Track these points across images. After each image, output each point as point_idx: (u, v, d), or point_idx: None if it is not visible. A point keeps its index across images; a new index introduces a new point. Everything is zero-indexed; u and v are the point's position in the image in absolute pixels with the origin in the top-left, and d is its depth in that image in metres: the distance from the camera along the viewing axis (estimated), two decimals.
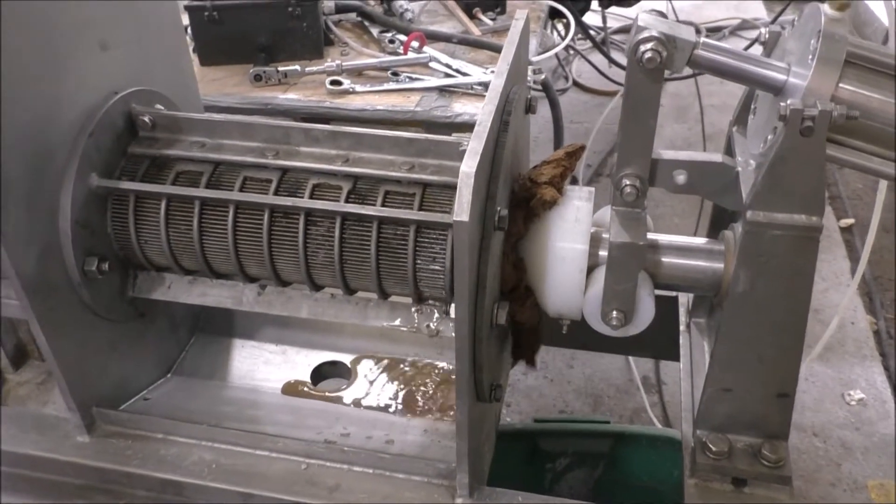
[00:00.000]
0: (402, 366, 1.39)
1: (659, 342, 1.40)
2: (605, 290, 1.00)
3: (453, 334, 0.94)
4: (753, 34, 4.82)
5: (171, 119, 1.15)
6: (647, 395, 2.77)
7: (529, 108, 1.14)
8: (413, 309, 1.13)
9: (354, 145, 1.10)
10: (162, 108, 1.18)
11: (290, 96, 2.00)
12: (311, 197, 1.08)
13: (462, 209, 0.80)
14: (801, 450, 2.64)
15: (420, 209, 1.04)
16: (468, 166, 0.81)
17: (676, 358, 1.34)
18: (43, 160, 1.02)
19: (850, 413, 2.77)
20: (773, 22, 4.30)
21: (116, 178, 1.12)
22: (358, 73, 2.08)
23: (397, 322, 1.13)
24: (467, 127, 1.91)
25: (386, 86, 2.00)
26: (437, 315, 1.12)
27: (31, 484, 1.20)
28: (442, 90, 1.99)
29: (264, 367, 1.39)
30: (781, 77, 0.89)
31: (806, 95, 0.84)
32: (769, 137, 0.89)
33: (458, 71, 2.05)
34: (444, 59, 2.10)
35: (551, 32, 3.30)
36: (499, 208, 0.92)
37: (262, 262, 1.10)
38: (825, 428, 2.72)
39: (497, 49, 2.14)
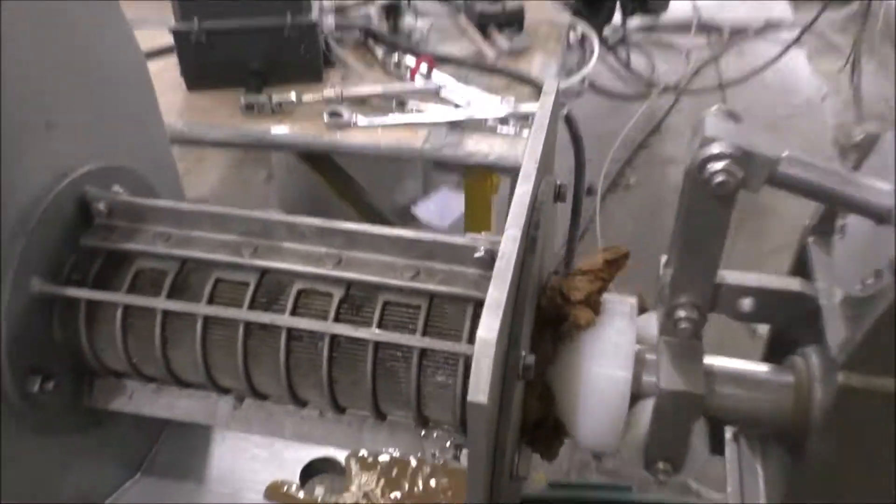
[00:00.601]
0: (406, 466, 1.21)
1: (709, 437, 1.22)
2: (650, 438, 0.82)
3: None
4: (779, 35, 4.60)
5: (130, 205, 0.97)
6: None
7: (559, 196, 0.96)
8: (419, 434, 0.95)
9: (347, 244, 0.92)
10: (121, 190, 1.00)
11: (284, 129, 1.82)
12: (296, 306, 0.90)
13: (479, 388, 0.62)
14: None
15: (426, 327, 0.86)
16: (488, 330, 0.63)
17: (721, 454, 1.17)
18: None
19: None
20: (808, 27, 4.08)
21: (66, 277, 0.94)
22: (361, 101, 1.89)
23: (400, 447, 0.96)
24: (480, 169, 1.72)
25: (391, 117, 1.82)
26: (449, 443, 0.94)
27: None
28: (453, 124, 1.80)
29: (248, 465, 1.22)
30: (887, 204, 0.70)
31: None
32: (869, 282, 0.70)
33: (469, 102, 1.86)
34: (455, 86, 1.91)
35: (571, 43, 3.10)
36: (524, 354, 0.74)
37: (237, 377, 0.93)
38: None
39: (514, 76, 1.94)
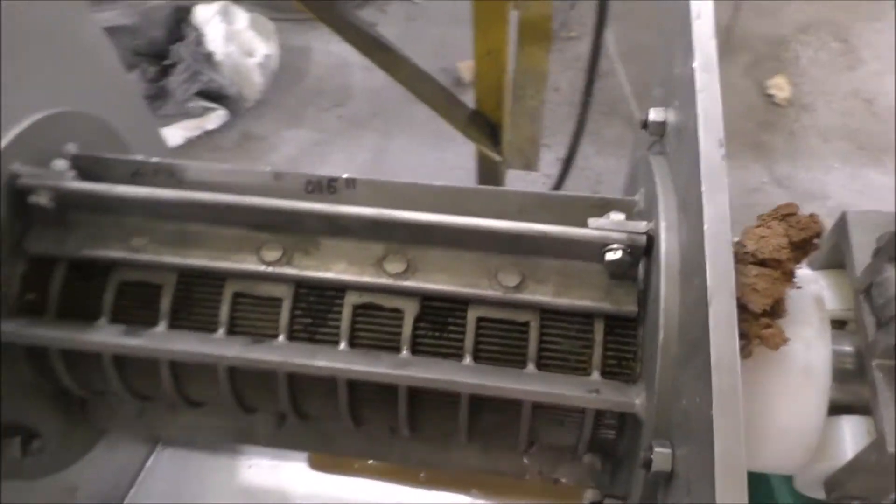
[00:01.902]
0: None
1: None
2: (845, 475, 0.63)
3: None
4: None
5: (89, 194, 0.66)
6: None
7: None
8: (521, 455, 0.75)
9: (412, 238, 0.65)
10: (72, 150, 0.68)
11: None
12: (354, 331, 0.65)
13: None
14: None
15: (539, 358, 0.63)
16: None
17: None
18: None
19: None
20: None
21: (17, 296, 0.67)
22: None
23: (497, 466, 0.76)
24: None
25: None
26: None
27: None
28: None
29: None
30: None
31: None
32: None
33: None
34: None
35: None
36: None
37: (279, 405, 0.70)
38: None
39: None
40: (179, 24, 2.60)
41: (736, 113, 2.66)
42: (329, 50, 2.90)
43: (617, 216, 0.63)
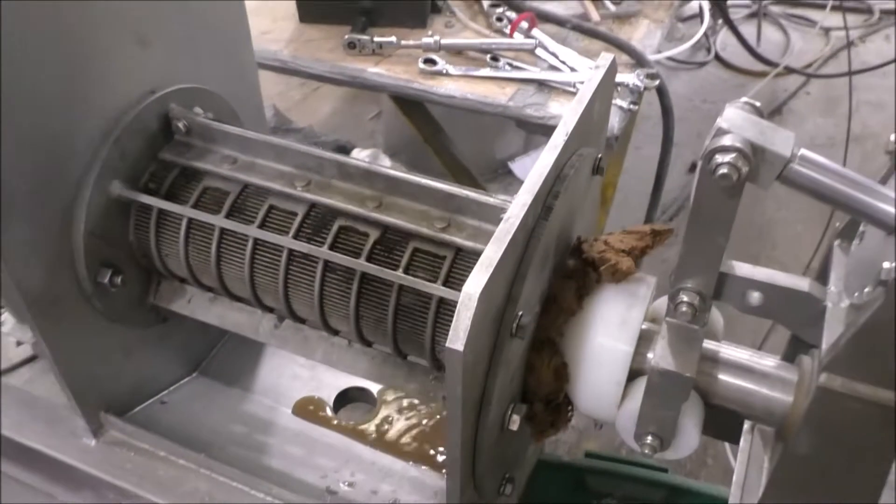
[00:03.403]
0: (430, 407, 1.29)
1: (723, 426, 1.24)
2: (640, 412, 0.86)
3: None
4: None
5: (206, 128, 1.06)
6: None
7: (598, 170, 0.98)
8: (431, 376, 1.01)
9: (390, 189, 0.98)
10: (201, 111, 1.09)
11: (380, 70, 1.88)
12: (336, 240, 0.97)
13: (457, 336, 0.67)
14: None
15: (448, 278, 0.92)
16: (474, 286, 0.68)
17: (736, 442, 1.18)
18: (58, 168, 0.95)
19: None
20: None
21: (144, 184, 1.05)
22: (457, 52, 1.92)
23: (414, 385, 1.03)
24: None
25: (482, 72, 1.85)
26: None
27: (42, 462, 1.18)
28: (541, 84, 1.81)
29: (289, 383, 1.32)
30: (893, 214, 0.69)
31: None
32: (867, 290, 0.70)
33: (564, 63, 1.87)
34: (552, 46, 1.91)
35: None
36: (520, 313, 0.78)
37: (278, 298, 1.01)
38: None
39: (613, 42, 1.92)
40: None
41: None
42: None
43: None
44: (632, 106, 1.74)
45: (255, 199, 1.02)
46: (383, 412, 1.27)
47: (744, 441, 1.14)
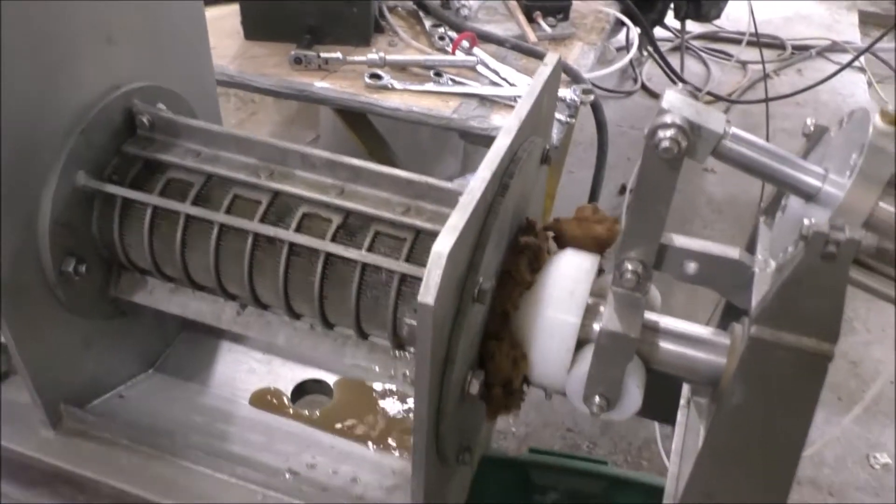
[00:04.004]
0: (388, 397, 1.33)
1: (658, 406, 1.32)
2: (589, 374, 0.93)
3: None
4: (843, 58, 4.57)
5: (170, 122, 1.10)
6: (660, 426, 2.67)
7: (546, 159, 1.06)
8: (392, 354, 1.06)
9: (351, 177, 1.04)
10: (164, 107, 1.12)
11: (326, 85, 1.94)
12: (300, 226, 1.02)
13: (428, 291, 0.73)
14: None
15: (408, 257, 0.98)
16: (442, 245, 0.74)
17: (673, 425, 1.26)
18: (24, 157, 0.97)
19: (873, 477, 2.63)
20: (866, 50, 4.06)
21: (107, 176, 1.08)
22: (401, 68, 2.00)
23: (375, 365, 1.08)
24: None
25: (426, 86, 1.92)
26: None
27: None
28: (483, 99, 1.90)
29: (246, 377, 1.35)
30: (816, 184, 0.79)
31: (838, 213, 0.74)
32: (790, 249, 0.79)
33: (505, 79, 1.96)
34: (493, 63, 2.01)
35: (620, 39, 3.16)
36: (481, 279, 0.85)
37: (242, 284, 1.05)
38: (843, 489, 2.59)
39: None
40: None
41: None
42: None
43: None
44: (569, 119, 1.84)
45: (220, 189, 1.06)
46: (340, 402, 1.31)
47: (680, 415, 1.22)
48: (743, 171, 0.81)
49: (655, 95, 4.47)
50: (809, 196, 0.79)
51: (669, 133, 0.76)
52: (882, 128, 0.73)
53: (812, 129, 0.88)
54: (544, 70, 1.01)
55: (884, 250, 0.71)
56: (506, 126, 0.90)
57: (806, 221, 0.72)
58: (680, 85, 0.83)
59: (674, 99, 0.79)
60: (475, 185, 0.82)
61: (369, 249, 0.99)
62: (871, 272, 0.77)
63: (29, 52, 0.94)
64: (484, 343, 0.97)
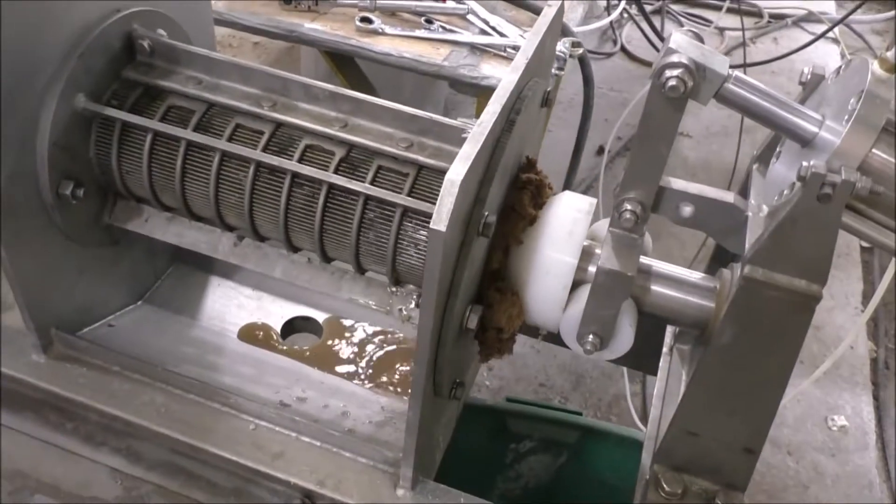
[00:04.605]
0: (377, 337, 1.35)
1: (641, 355, 1.36)
2: (584, 312, 0.96)
3: None
4: (818, 28, 4.63)
5: (171, 48, 1.09)
6: (630, 383, 2.75)
7: (546, 102, 1.07)
8: (389, 289, 1.08)
9: (354, 111, 1.04)
10: (164, 33, 1.11)
11: (316, 26, 1.92)
12: (302, 159, 1.02)
13: (440, 218, 0.75)
14: (772, 465, 2.62)
15: (410, 192, 0.99)
16: (455, 173, 0.76)
17: (655, 374, 1.31)
18: (22, 77, 0.96)
19: (830, 438, 2.74)
20: (841, 21, 4.12)
21: (106, 101, 1.07)
22: (391, 13, 1.99)
23: (371, 300, 1.09)
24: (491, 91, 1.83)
25: (417, 32, 1.92)
26: (413, 301, 1.07)
27: None
28: (473, 47, 1.90)
29: (236, 311, 1.36)
30: (812, 129, 0.81)
31: (834, 157, 0.77)
32: (785, 192, 0.82)
33: (494, 29, 1.96)
34: (483, 13, 2.01)
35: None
36: (486, 213, 0.87)
37: (242, 214, 1.06)
38: (801, 448, 2.69)
39: (537, 11, 2.03)
40: None
41: None
42: None
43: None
44: (557, 71, 1.85)
45: (221, 118, 1.06)
46: (330, 340, 1.33)
47: (663, 361, 1.27)
48: (743, 114, 0.83)
49: (635, 58, 4.49)
50: (806, 141, 0.82)
51: (677, 72, 0.78)
52: (880, 74, 0.76)
53: (809, 76, 0.90)
54: (549, 11, 1.02)
55: (877, 194, 0.74)
56: (514, 63, 0.91)
57: (804, 163, 0.75)
58: (686, 28, 0.85)
59: (681, 40, 0.81)
60: (486, 118, 0.83)
61: (372, 183, 1.00)
62: (862, 217, 0.80)
63: None
64: (484, 285, 0.99)
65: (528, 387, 2.73)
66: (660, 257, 1.04)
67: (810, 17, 4.87)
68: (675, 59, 0.78)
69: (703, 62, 0.79)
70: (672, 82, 0.78)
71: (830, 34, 4.31)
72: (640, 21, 4.20)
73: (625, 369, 2.73)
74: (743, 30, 3.88)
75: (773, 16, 4.87)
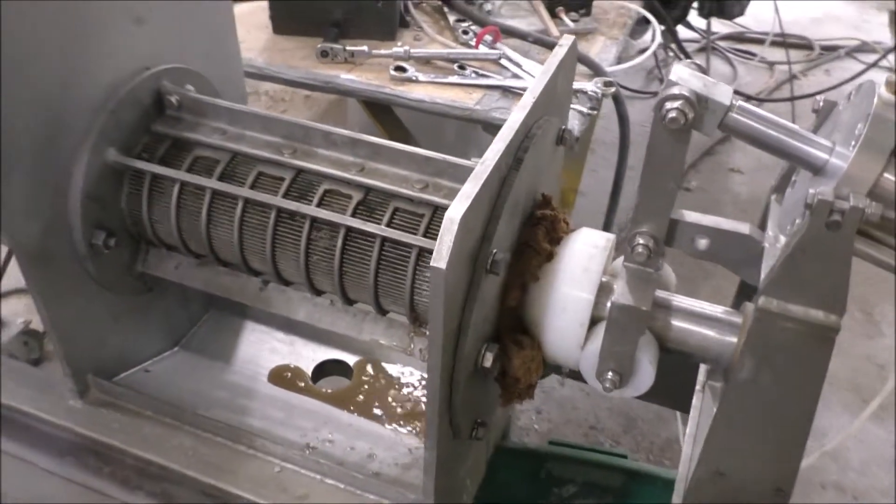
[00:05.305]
0: (406, 379, 1.36)
1: (675, 393, 1.33)
2: (602, 348, 0.94)
3: None
4: (872, 58, 4.53)
5: (197, 102, 1.14)
6: (683, 425, 2.66)
7: (562, 140, 1.08)
8: (410, 332, 1.09)
9: (372, 155, 1.07)
10: (192, 88, 1.16)
11: (352, 77, 1.97)
12: (321, 202, 1.05)
13: (440, 255, 0.75)
14: None
15: (426, 233, 1.00)
16: (455, 211, 0.76)
17: (687, 411, 1.28)
18: (56, 131, 1.01)
19: None
20: (893, 49, 4.03)
21: (137, 153, 1.12)
22: (425, 61, 2.03)
23: (392, 341, 1.10)
24: None
25: (450, 79, 1.95)
26: None
27: (29, 432, 1.22)
28: (505, 90, 1.92)
29: (268, 356, 1.38)
30: (822, 156, 0.80)
31: (843, 182, 0.75)
32: (797, 221, 0.81)
33: (527, 72, 1.98)
34: (516, 57, 2.03)
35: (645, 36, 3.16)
36: (494, 251, 0.87)
37: (265, 259, 1.08)
38: (867, 493, 2.56)
39: None
40: None
41: None
42: None
43: None
44: (591, 111, 1.85)
45: (245, 166, 1.10)
46: (359, 383, 1.34)
47: (695, 400, 1.23)
48: (750, 144, 0.82)
49: None
50: (817, 169, 0.81)
51: (677, 104, 0.78)
52: (887, 97, 0.74)
53: (822, 104, 0.89)
54: (559, 50, 1.04)
55: (888, 220, 0.72)
56: (521, 102, 0.92)
57: (811, 191, 0.73)
58: (688, 60, 0.85)
59: (682, 72, 0.80)
60: (489, 155, 0.84)
61: (388, 225, 1.01)
62: (876, 243, 0.78)
63: (57, 28, 0.98)
64: (501, 323, 0.99)
65: (578, 429, 2.67)
66: (709, 297, 1.02)
67: (864, 48, 4.77)
68: (675, 91, 0.78)
69: (705, 93, 0.79)
70: (672, 114, 0.78)
71: (884, 62, 4.22)
72: (683, 58, 4.16)
73: (678, 413, 2.66)
74: (789, 63, 3.83)
75: (824, 48, 4.79)
